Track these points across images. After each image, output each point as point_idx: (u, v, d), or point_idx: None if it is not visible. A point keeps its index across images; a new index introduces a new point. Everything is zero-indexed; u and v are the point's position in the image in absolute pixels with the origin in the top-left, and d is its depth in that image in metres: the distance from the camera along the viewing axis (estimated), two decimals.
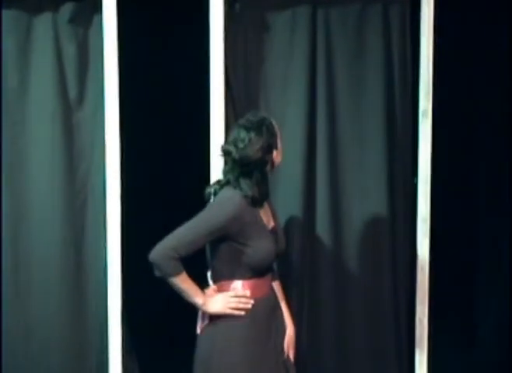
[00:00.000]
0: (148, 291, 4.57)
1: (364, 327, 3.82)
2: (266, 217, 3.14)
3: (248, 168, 3.04)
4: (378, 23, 3.77)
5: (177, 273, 3.00)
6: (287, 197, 3.73)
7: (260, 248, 3.03)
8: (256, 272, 3.07)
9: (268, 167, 3.09)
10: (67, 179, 3.73)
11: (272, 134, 3.07)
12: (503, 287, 4.50)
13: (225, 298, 3.05)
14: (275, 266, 3.30)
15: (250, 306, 3.05)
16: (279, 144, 3.11)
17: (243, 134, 3.04)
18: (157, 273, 3.01)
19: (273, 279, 3.26)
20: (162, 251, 2.99)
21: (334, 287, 3.81)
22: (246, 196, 3.02)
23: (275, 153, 3.08)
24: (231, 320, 3.05)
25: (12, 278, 3.72)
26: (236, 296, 3.05)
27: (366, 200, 3.79)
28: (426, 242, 3.81)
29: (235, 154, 3.03)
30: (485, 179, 4.72)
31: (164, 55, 5.39)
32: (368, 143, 3.79)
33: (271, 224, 3.16)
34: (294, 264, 3.75)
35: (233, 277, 3.07)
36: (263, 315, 3.10)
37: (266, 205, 3.18)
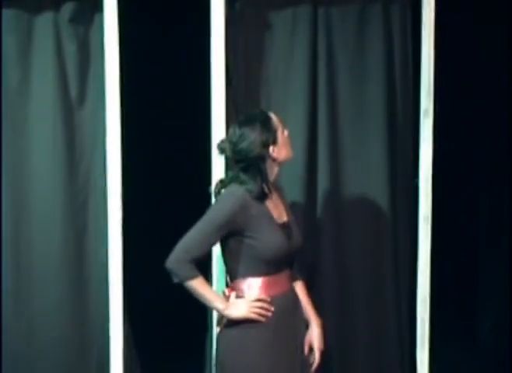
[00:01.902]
0: (149, 288, 4.57)
1: (366, 326, 3.82)
2: (277, 211, 3.11)
3: (245, 163, 3.02)
4: (379, 23, 3.77)
5: (193, 277, 2.97)
6: (287, 197, 3.72)
7: (268, 241, 3.00)
8: (268, 267, 3.03)
9: (269, 162, 3.05)
10: (68, 178, 3.73)
11: (268, 129, 3.03)
12: (503, 286, 4.50)
13: (248, 303, 3.00)
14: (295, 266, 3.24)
15: (270, 314, 3.01)
16: (280, 140, 3.05)
17: (236, 130, 3.04)
18: (174, 279, 2.99)
19: (294, 279, 3.21)
20: (175, 256, 2.98)
21: (335, 285, 3.81)
22: (249, 191, 3.01)
23: (271, 148, 3.03)
24: (246, 321, 3.01)
25: (13, 276, 3.72)
26: (259, 300, 3.01)
27: (368, 199, 3.79)
28: (428, 241, 3.81)
29: (228, 150, 3.04)
30: (486, 179, 4.72)
31: (165, 54, 5.38)
32: (369, 142, 3.79)
33: (284, 218, 3.13)
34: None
35: (245, 274, 3.04)
36: (278, 314, 3.04)
37: (279, 200, 3.16)
